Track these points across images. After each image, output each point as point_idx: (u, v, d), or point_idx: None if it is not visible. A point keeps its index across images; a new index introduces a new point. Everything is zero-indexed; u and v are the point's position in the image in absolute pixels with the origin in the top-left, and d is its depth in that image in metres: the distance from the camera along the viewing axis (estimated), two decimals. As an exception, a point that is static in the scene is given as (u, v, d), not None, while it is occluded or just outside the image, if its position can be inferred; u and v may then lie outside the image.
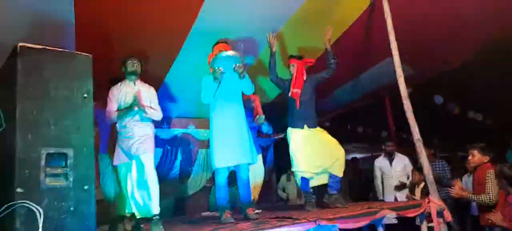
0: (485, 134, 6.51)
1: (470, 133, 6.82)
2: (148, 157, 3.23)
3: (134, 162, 3.22)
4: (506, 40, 4.71)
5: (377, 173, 5.25)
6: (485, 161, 3.50)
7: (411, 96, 3.79)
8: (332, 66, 3.94)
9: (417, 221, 3.35)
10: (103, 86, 3.36)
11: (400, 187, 4.91)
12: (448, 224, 3.32)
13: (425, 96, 6.79)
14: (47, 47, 2.15)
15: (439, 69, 5.65)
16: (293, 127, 3.93)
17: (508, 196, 3.08)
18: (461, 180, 4.53)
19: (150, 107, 3.38)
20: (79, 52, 2.27)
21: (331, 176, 3.89)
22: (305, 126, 3.90)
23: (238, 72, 3.41)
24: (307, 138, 3.86)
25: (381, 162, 5.23)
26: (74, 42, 3.18)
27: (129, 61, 3.38)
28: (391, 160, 5.09)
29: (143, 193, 3.18)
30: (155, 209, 3.14)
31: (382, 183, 5.17)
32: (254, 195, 4.40)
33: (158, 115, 3.45)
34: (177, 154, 5.74)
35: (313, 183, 3.97)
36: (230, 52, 3.34)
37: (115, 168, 3.46)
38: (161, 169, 5.40)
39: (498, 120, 8.12)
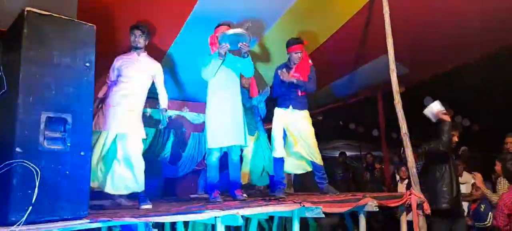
0: (470, 140, 6.68)
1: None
2: (139, 136, 3.29)
3: (122, 135, 3.23)
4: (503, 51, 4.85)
5: None
6: None
7: (403, 95, 3.88)
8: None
9: (398, 212, 3.49)
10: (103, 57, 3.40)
11: None
12: (426, 216, 3.46)
13: (418, 98, 6.92)
14: (53, 14, 2.20)
15: (433, 72, 5.78)
16: (280, 107, 3.93)
17: None
18: None
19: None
20: (84, 22, 2.32)
21: (315, 167, 3.91)
22: (290, 106, 3.88)
23: (242, 51, 3.45)
24: (290, 118, 3.87)
25: None
26: (76, 12, 3.22)
27: (133, 32, 3.40)
28: None
29: (126, 169, 3.23)
30: (141, 186, 3.22)
31: None
32: (250, 179, 4.50)
33: (165, 100, 3.51)
34: (169, 135, 5.80)
35: (294, 170, 4.05)
36: (238, 30, 3.33)
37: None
38: (153, 150, 5.46)
39: (484, 127, 8.33)
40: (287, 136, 3.91)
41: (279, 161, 3.90)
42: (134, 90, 3.32)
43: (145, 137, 3.40)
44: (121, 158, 3.22)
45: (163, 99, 3.53)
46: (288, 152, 3.97)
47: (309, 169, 4.02)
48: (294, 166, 4.10)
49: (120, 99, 3.25)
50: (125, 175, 3.21)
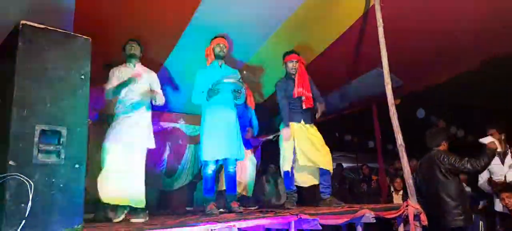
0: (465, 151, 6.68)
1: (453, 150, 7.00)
2: (145, 149, 3.36)
3: (128, 147, 3.28)
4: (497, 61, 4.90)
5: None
6: None
7: (398, 107, 3.88)
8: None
9: (395, 223, 3.47)
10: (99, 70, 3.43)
11: None
12: (424, 227, 3.44)
13: (412, 109, 6.94)
14: (48, 27, 2.20)
15: (428, 83, 5.82)
16: (290, 120, 3.89)
17: None
18: None
19: (152, 91, 3.53)
20: (79, 35, 2.32)
21: (322, 175, 3.89)
22: (302, 121, 3.90)
23: (235, 95, 3.58)
24: (301, 132, 3.86)
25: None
26: (72, 25, 3.24)
27: (128, 44, 3.49)
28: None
29: (130, 181, 3.24)
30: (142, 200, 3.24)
31: None
32: (247, 191, 4.48)
33: (161, 99, 3.57)
34: (165, 148, 5.77)
35: (303, 183, 4.01)
36: (233, 80, 3.44)
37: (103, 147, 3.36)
38: (148, 162, 5.42)
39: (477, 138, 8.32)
40: (296, 150, 3.84)
41: (289, 174, 3.90)
42: (138, 100, 3.40)
43: (153, 146, 3.50)
44: (127, 170, 3.27)
45: (159, 98, 3.59)
46: (298, 166, 3.91)
47: (317, 182, 3.98)
48: (304, 180, 4.03)
49: (127, 111, 3.34)
50: (129, 187, 3.25)
